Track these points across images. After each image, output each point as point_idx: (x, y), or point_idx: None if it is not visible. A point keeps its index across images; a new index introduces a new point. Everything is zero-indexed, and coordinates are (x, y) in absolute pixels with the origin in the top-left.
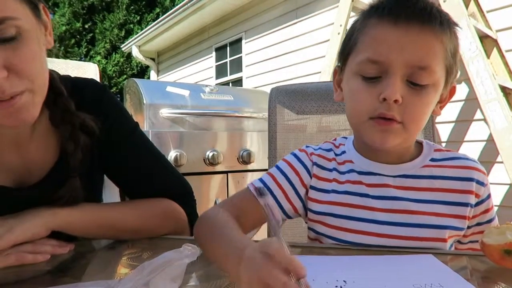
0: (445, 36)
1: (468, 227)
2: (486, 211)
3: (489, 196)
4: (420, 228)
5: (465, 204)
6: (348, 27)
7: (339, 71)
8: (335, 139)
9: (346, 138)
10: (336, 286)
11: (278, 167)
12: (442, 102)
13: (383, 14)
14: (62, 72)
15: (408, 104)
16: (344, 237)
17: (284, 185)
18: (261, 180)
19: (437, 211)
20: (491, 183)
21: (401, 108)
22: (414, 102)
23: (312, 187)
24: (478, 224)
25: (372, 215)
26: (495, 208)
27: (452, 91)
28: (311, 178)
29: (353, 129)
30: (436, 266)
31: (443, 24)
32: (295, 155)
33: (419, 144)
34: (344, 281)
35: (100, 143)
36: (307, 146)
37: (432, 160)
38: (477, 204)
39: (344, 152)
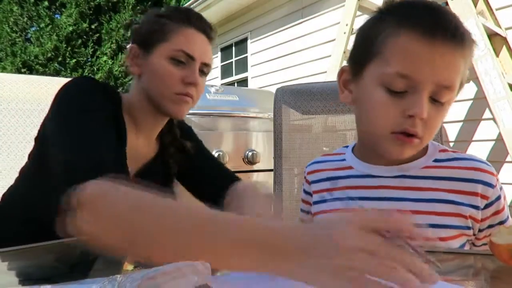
0: (469, 56)
1: (480, 230)
2: (497, 212)
3: (499, 197)
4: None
5: (469, 205)
6: (355, 26)
7: (349, 71)
8: (333, 152)
9: (346, 147)
10: None
11: (302, 199)
12: None
13: (417, 27)
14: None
15: (430, 120)
16: None
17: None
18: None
19: (437, 210)
20: (501, 183)
21: (423, 125)
22: (435, 118)
23: (314, 202)
24: (490, 226)
25: None
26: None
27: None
28: (312, 196)
29: (369, 139)
30: None
31: (470, 45)
32: (303, 184)
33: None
34: None
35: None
36: (306, 166)
37: (436, 160)
38: (486, 206)
39: (344, 159)
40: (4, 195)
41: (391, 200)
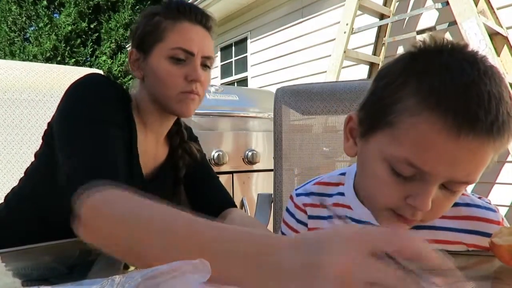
0: (505, 144)
1: None
2: None
3: None
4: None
5: (467, 251)
6: (355, 25)
7: (356, 121)
8: (328, 179)
9: (344, 173)
10: None
11: (281, 232)
12: None
13: (443, 112)
14: (69, 76)
15: (436, 206)
16: None
17: None
18: None
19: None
20: (501, 183)
21: (426, 212)
22: (442, 205)
23: None
24: None
25: None
26: (506, 209)
27: None
28: (306, 227)
29: (363, 201)
30: None
31: (508, 134)
32: (290, 214)
33: None
34: None
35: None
36: (297, 195)
37: None
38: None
39: (342, 194)
40: (7, 195)
41: None
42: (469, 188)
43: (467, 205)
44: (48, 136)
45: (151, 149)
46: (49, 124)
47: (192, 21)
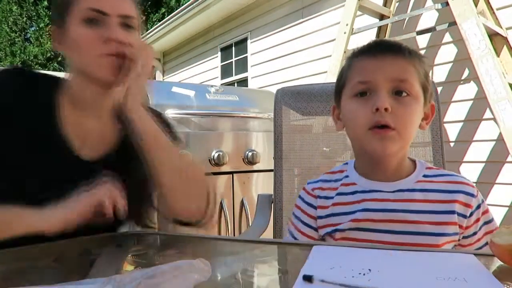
0: (415, 61)
1: (465, 237)
2: (477, 220)
3: (479, 206)
4: (416, 235)
5: (455, 213)
6: (355, 26)
7: (337, 107)
8: (333, 169)
9: (346, 163)
10: (360, 273)
11: (293, 214)
12: (426, 119)
13: (363, 53)
14: None
15: (397, 111)
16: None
17: (301, 228)
18: (288, 230)
19: (430, 220)
20: (501, 183)
21: (392, 116)
22: (401, 110)
23: (319, 217)
24: (474, 233)
25: (374, 225)
26: (506, 209)
27: (432, 109)
28: (316, 210)
29: (355, 143)
30: (469, 264)
31: (411, 54)
32: (301, 198)
33: (413, 162)
34: (369, 269)
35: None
36: (308, 183)
37: (425, 176)
38: (470, 214)
39: (347, 176)
40: None
41: (393, 211)
42: None
43: (448, 175)
44: None
45: (94, 130)
46: None
47: None
